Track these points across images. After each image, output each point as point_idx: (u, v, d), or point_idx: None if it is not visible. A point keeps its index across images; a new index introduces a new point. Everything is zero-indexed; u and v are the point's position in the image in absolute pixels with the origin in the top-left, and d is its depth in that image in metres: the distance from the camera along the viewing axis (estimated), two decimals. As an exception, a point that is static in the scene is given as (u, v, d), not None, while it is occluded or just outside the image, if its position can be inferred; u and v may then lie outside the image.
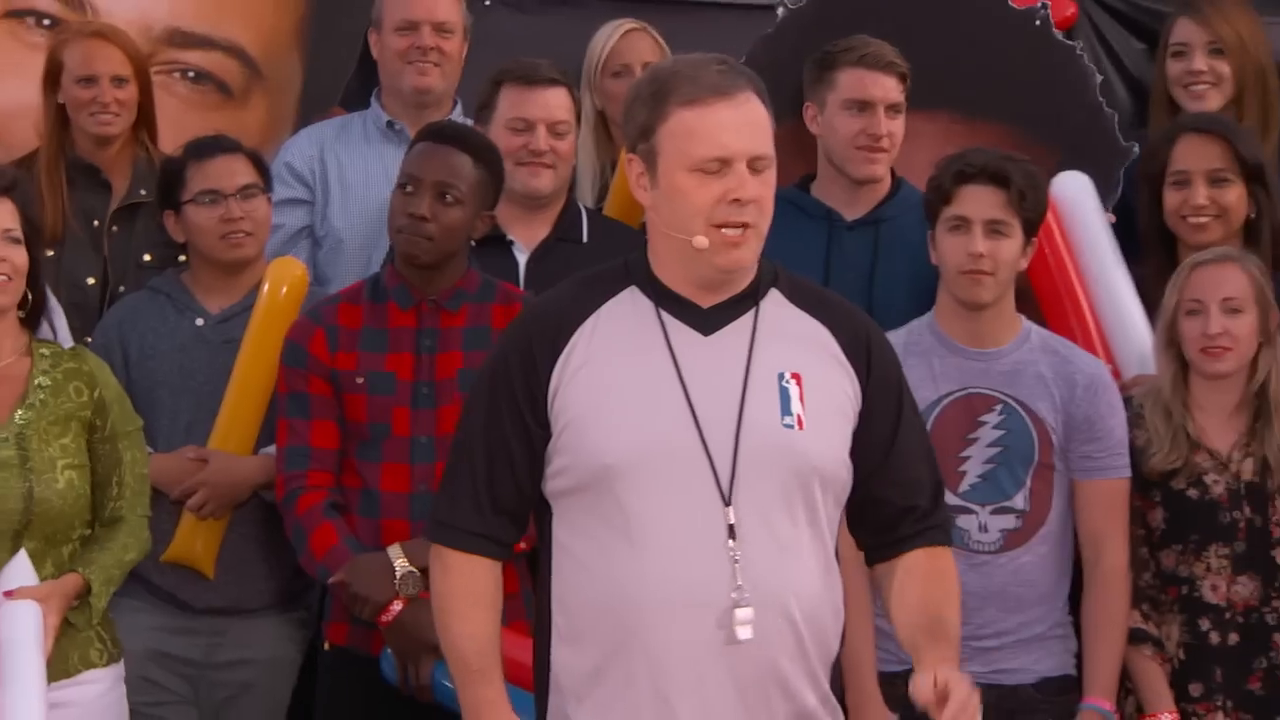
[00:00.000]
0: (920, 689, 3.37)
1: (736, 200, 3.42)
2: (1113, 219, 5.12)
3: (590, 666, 3.49)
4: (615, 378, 3.47)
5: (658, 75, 3.50)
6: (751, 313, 3.52)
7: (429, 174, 4.65)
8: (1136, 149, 5.23)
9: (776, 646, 3.45)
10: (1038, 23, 5.28)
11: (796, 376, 3.49)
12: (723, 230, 3.43)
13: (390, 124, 5.61)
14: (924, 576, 3.58)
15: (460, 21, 5.64)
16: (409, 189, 4.66)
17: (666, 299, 3.51)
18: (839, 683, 3.63)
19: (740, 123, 3.44)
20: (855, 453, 3.54)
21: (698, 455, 3.43)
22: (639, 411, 3.45)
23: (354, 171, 5.57)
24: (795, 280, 3.60)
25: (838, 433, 3.52)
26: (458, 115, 5.60)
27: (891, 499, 3.59)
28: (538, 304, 3.73)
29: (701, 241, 3.43)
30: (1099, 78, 5.35)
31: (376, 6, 5.68)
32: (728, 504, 3.42)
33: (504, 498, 3.56)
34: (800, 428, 3.46)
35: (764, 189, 3.43)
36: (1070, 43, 5.45)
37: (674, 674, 3.44)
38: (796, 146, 4.98)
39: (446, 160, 4.67)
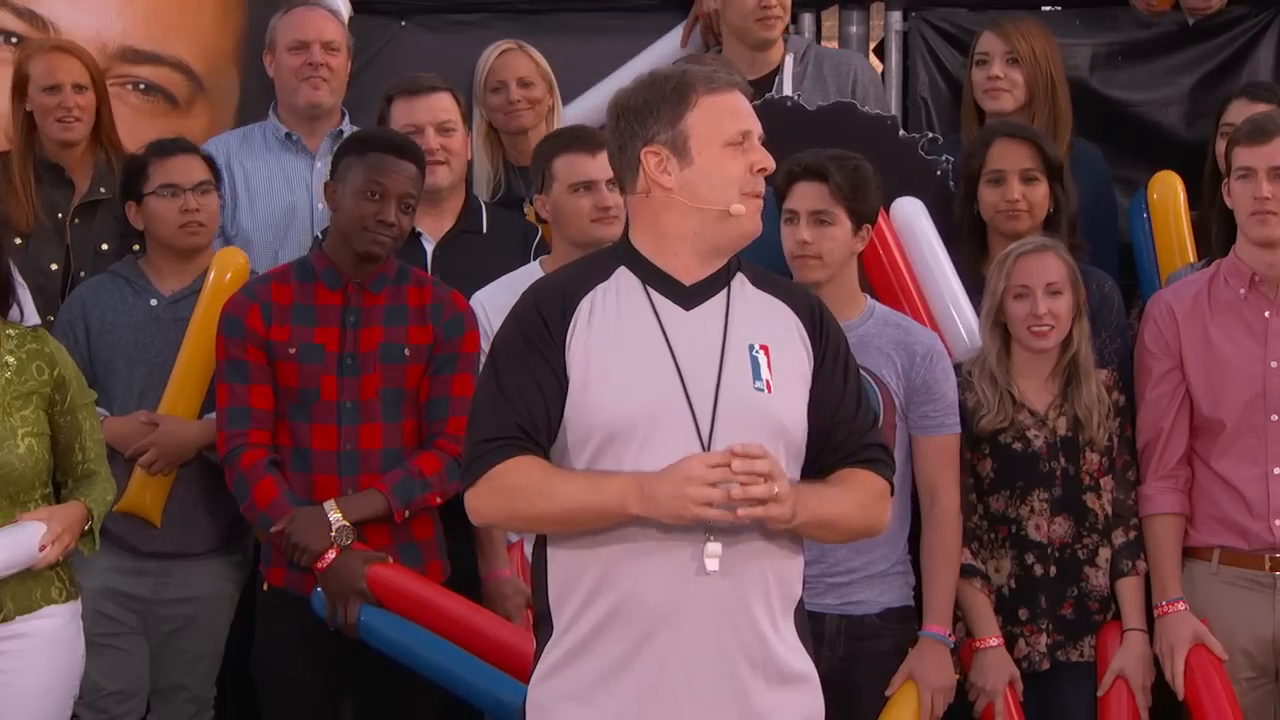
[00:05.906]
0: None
1: (762, 170, 3.72)
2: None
3: (579, 603, 3.67)
4: (613, 345, 3.67)
5: (672, 75, 3.73)
6: (724, 291, 3.76)
7: (395, 186, 4.94)
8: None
9: (745, 582, 3.66)
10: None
11: (764, 347, 3.72)
12: (752, 198, 3.71)
13: (288, 135, 5.89)
14: (856, 479, 3.80)
15: (344, 41, 5.93)
16: (376, 196, 4.93)
17: (653, 277, 3.73)
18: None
19: (750, 107, 3.77)
20: (812, 410, 3.77)
21: (683, 412, 3.65)
22: (636, 375, 3.65)
23: (257, 179, 5.86)
24: (753, 266, 3.84)
25: (798, 396, 3.76)
26: (346, 126, 5.90)
27: (841, 441, 3.80)
28: (541, 282, 3.89)
29: (739, 209, 3.69)
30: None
31: (270, 31, 5.92)
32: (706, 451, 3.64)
33: (532, 410, 3.65)
34: (769, 392, 3.70)
35: None
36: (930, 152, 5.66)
37: (654, 603, 3.63)
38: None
39: (407, 173, 4.99)
